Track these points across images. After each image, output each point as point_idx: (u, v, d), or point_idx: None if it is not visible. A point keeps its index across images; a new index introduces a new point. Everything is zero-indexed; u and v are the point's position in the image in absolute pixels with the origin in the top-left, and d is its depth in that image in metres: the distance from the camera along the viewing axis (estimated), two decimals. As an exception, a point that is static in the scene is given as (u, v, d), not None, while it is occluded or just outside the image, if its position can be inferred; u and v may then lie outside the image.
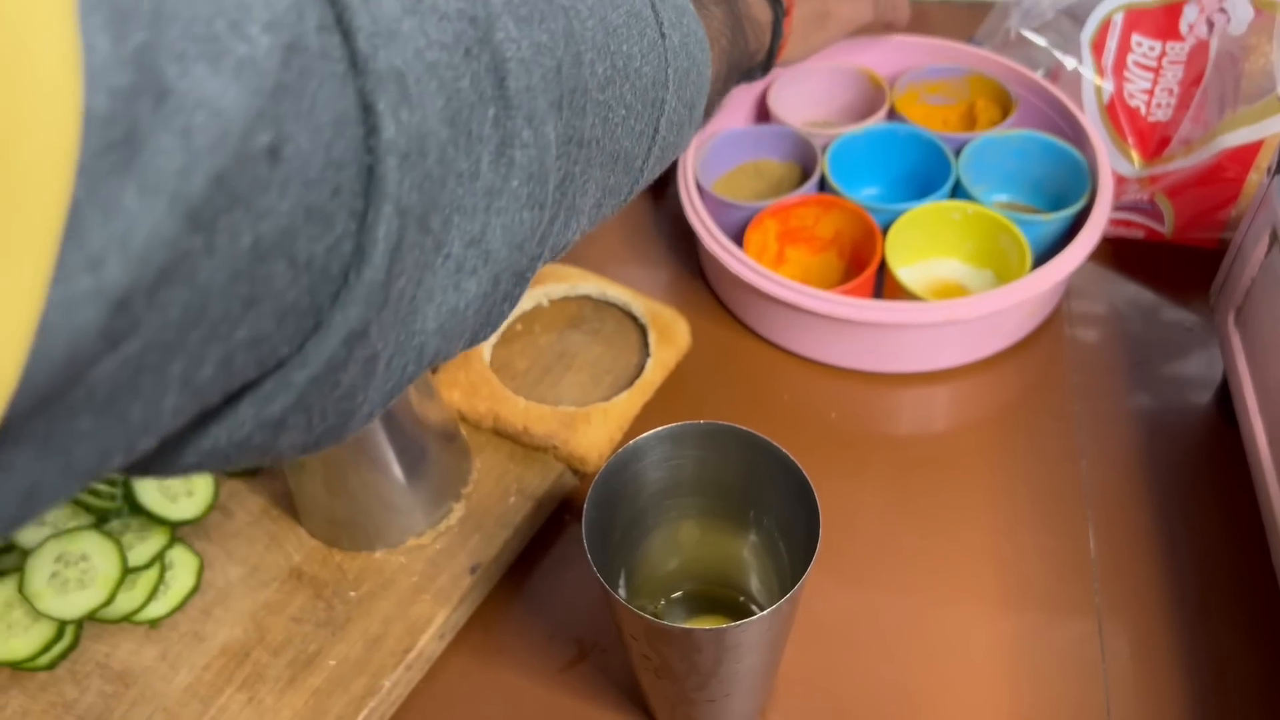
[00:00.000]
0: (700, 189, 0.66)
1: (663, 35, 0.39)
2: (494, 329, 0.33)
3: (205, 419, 0.24)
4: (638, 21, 0.37)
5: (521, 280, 0.32)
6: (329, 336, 0.24)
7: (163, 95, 0.18)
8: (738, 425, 0.43)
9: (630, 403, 0.59)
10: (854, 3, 0.66)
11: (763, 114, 0.73)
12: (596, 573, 0.40)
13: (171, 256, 0.19)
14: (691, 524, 0.48)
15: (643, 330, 0.63)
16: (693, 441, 0.44)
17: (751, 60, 0.56)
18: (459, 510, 0.56)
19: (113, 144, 0.17)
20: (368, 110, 0.23)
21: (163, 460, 0.24)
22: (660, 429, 0.44)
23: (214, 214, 0.19)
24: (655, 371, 0.60)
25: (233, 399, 0.24)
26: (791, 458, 0.42)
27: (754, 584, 0.50)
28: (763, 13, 0.56)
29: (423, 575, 0.53)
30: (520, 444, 0.58)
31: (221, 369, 0.22)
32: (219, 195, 0.19)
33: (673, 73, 0.40)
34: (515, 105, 0.29)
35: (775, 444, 0.42)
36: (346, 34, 0.23)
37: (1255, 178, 0.64)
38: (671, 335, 0.62)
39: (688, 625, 0.40)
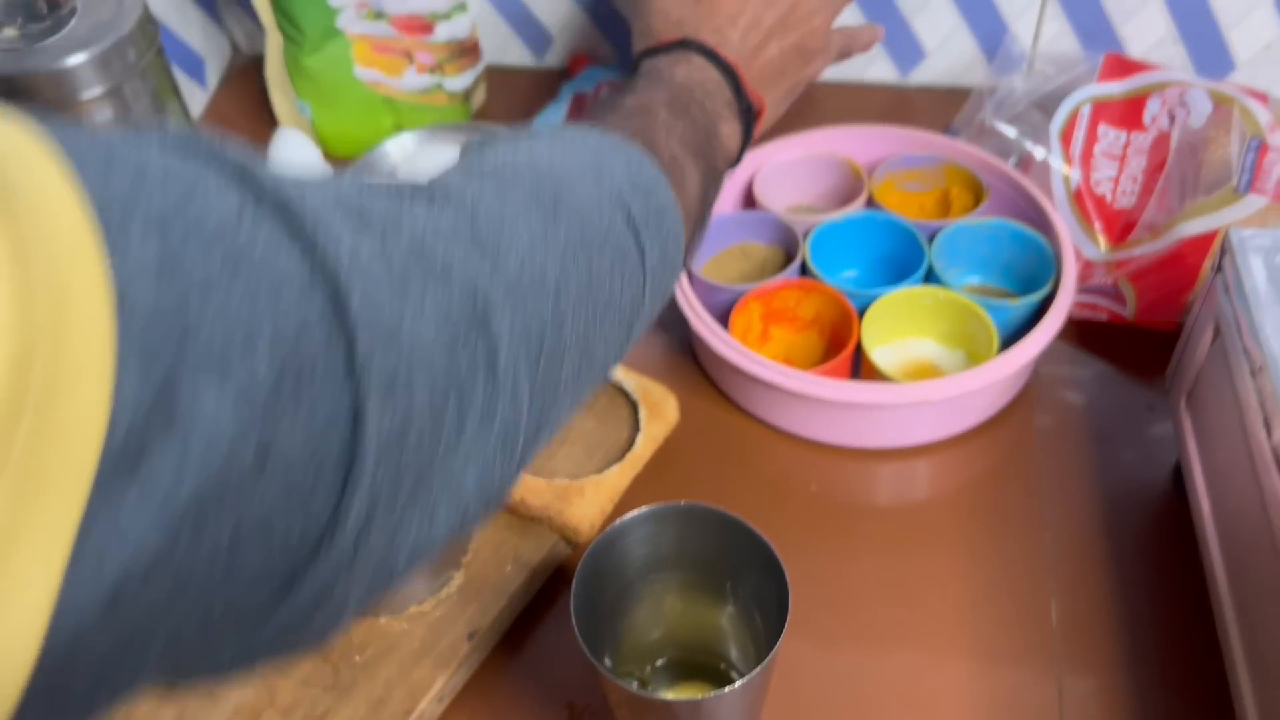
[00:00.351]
0: (690, 273, 0.70)
1: (643, 260, 0.41)
2: (468, 533, 0.35)
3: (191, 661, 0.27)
4: (620, 258, 0.39)
5: (494, 504, 0.34)
6: (299, 596, 0.27)
7: (171, 417, 0.21)
8: (713, 506, 0.47)
9: (621, 476, 0.62)
10: (816, 62, 0.67)
11: (749, 200, 0.77)
12: (584, 646, 0.43)
13: (160, 552, 0.22)
14: (674, 596, 0.52)
15: (634, 406, 0.66)
16: (673, 520, 0.48)
17: (722, 174, 0.58)
18: (458, 578, 0.59)
19: (125, 457, 0.20)
20: (357, 412, 0.25)
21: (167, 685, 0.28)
22: (643, 509, 0.47)
23: (200, 513, 0.22)
24: (645, 446, 0.64)
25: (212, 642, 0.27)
26: (761, 535, 0.46)
27: (734, 652, 0.54)
28: (733, 135, 0.59)
29: (424, 641, 0.57)
30: (517, 515, 0.62)
31: (200, 628, 0.25)
32: (206, 498, 0.22)
33: (650, 285, 0.41)
34: (501, 380, 0.31)
35: (747, 523, 0.46)
36: (348, 339, 0.25)
37: (1210, 264, 0.68)
38: (661, 411, 0.65)
39: (667, 695, 0.43)
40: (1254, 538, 0.48)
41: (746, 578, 0.49)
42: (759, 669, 0.42)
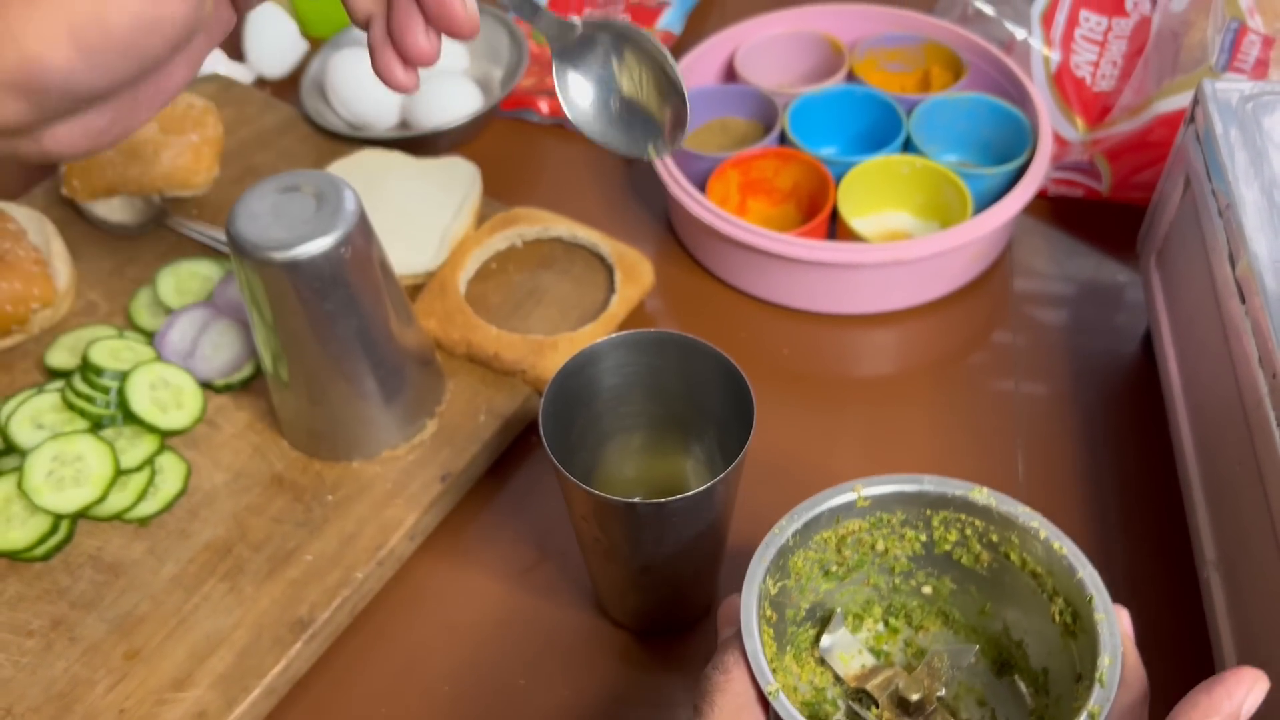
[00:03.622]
0: (667, 141, 0.70)
1: None
2: None
3: None
4: None
5: None
6: None
7: None
8: (682, 333, 0.47)
9: (594, 333, 0.63)
10: None
11: (730, 75, 0.77)
12: (549, 451, 0.44)
13: None
14: (643, 435, 0.52)
15: (610, 271, 0.67)
16: (642, 349, 0.48)
17: None
18: (432, 426, 0.59)
19: None
20: None
21: None
22: (614, 335, 0.48)
23: None
24: (619, 306, 0.64)
25: None
26: (728, 358, 0.46)
27: None
28: None
29: (396, 483, 0.57)
30: (491, 369, 0.62)
31: None
32: None
33: None
34: None
35: (713, 346, 0.46)
36: None
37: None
38: (636, 274, 0.66)
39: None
40: (1216, 376, 0.49)
41: (712, 407, 0.49)
42: (724, 473, 0.43)
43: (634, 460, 0.54)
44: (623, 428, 0.52)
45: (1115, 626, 0.37)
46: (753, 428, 0.44)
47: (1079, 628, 0.39)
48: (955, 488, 0.42)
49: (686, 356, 0.48)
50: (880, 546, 0.44)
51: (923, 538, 0.44)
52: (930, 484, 0.42)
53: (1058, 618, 0.40)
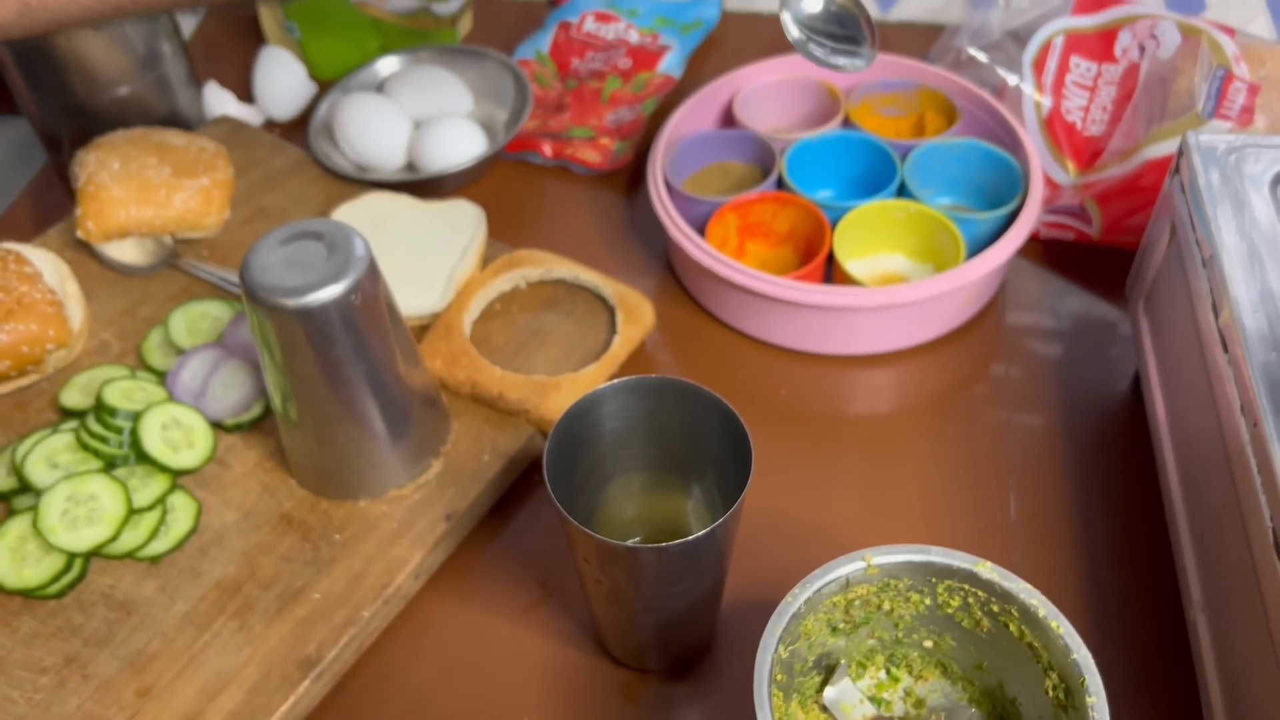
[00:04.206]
0: (668, 185, 0.72)
1: None
2: None
3: None
4: None
5: None
6: None
7: None
8: (683, 379, 0.49)
9: (597, 374, 0.64)
10: None
11: (728, 120, 0.79)
12: (553, 497, 0.45)
13: None
14: (644, 476, 0.54)
15: (611, 312, 0.68)
16: (644, 394, 0.50)
17: None
18: (437, 466, 0.61)
19: None
20: None
21: None
22: (615, 381, 0.49)
23: None
24: (621, 347, 0.66)
25: None
26: (727, 403, 0.47)
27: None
28: None
29: (402, 522, 0.58)
30: (495, 409, 0.63)
31: None
32: None
33: None
34: None
35: (713, 392, 0.48)
36: None
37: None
38: (637, 315, 0.67)
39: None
40: (1201, 421, 0.50)
41: (714, 453, 0.50)
42: (723, 518, 0.44)
43: (635, 501, 0.55)
44: (624, 469, 0.53)
45: (1106, 711, 0.39)
46: (750, 473, 0.45)
47: (1071, 704, 0.41)
48: (961, 560, 0.44)
49: (686, 401, 0.50)
50: (886, 607, 0.46)
51: (927, 601, 0.45)
52: (937, 555, 0.44)
53: (1051, 691, 0.42)
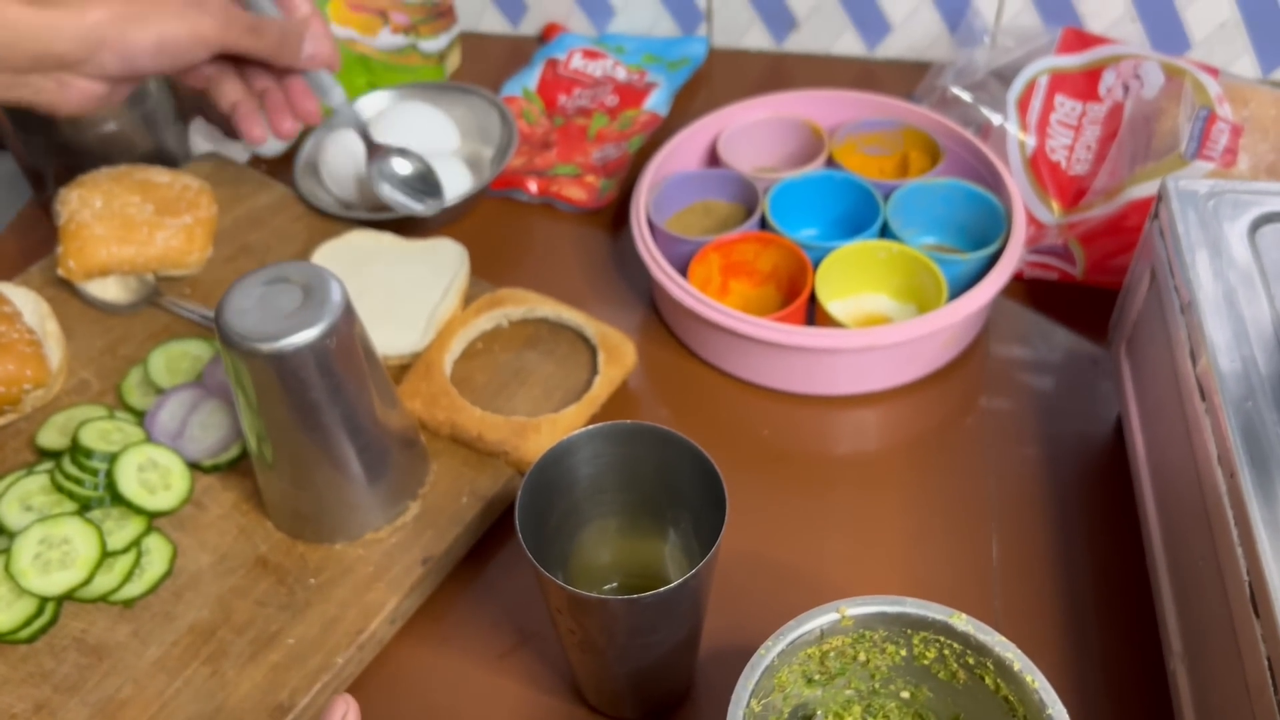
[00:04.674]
0: (651, 225, 0.72)
1: None
2: None
3: None
4: None
5: None
6: None
7: None
8: (656, 424, 0.49)
9: (577, 415, 0.64)
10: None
11: (713, 159, 0.79)
12: (526, 549, 0.44)
13: None
14: (619, 520, 0.53)
15: (593, 351, 0.68)
16: (618, 439, 0.49)
17: None
18: (415, 508, 0.60)
19: None
20: None
21: None
22: (590, 427, 0.49)
23: None
24: (602, 387, 0.65)
25: None
26: (700, 449, 0.47)
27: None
28: None
29: (378, 566, 0.58)
30: (475, 450, 0.63)
31: None
32: None
33: None
34: None
35: (687, 439, 0.48)
36: None
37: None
38: (619, 355, 0.67)
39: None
40: (1180, 468, 0.50)
41: (688, 498, 0.50)
42: (694, 570, 0.44)
43: (611, 545, 0.54)
44: (599, 514, 0.53)
45: None
46: (724, 521, 0.45)
47: None
48: (936, 612, 0.43)
49: (661, 447, 0.49)
50: (862, 658, 0.45)
51: (903, 652, 0.45)
52: (912, 606, 0.44)
53: None
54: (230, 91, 0.65)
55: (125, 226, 0.70)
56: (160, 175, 0.74)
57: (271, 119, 0.67)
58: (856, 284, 0.70)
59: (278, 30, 0.63)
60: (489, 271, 0.75)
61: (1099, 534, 0.60)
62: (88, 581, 0.56)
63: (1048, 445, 0.65)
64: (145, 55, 0.57)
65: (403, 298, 0.70)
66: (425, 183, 0.75)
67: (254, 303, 0.51)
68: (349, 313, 0.52)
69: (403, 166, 0.75)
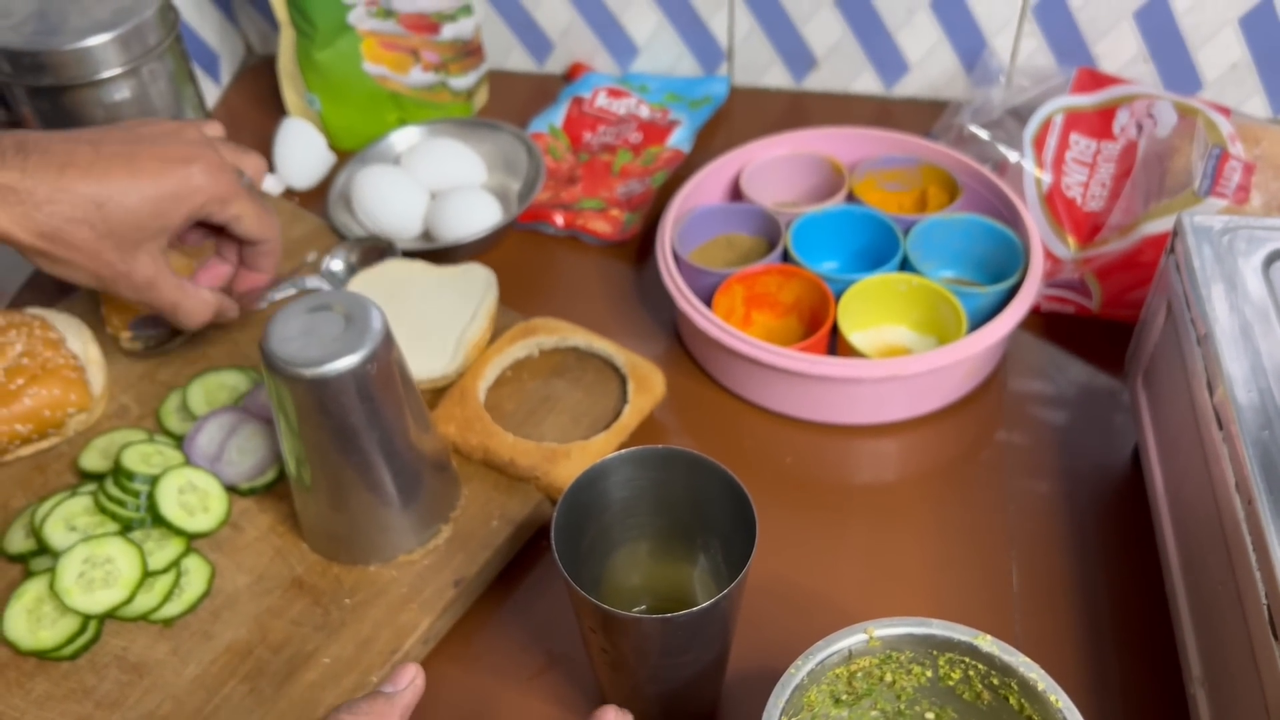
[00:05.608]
0: (676, 257, 0.73)
1: None
2: None
3: None
4: None
5: None
6: None
7: None
8: (689, 450, 0.50)
9: (607, 442, 0.65)
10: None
11: (735, 194, 0.81)
12: (561, 566, 0.46)
13: None
14: (650, 544, 0.55)
15: (623, 380, 0.69)
16: (650, 464, 0.51)
17: None
18: (447, 531, 0.62)
19: None
20: None
21: None
22: (623, 451, 0.50)
23: None
24: (631, 416, 0.67)
25: None
26: (731, 473, 0.49)
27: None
28: None
29: (411, 587, 0.59)
30: (506, 475, 0.64)
31: None
32: None
33: None
34: None
35: (718, 464, 0.49)
36: None
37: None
38: (648, 384, 0.68)
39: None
40: (1198, 496, 0.51)
41: (718, 522, 0.51)
42: (725, 592, 0.45)
43: (641, 569, 0.56)
44: (630, 538, 0.54)
45: None
46: (754, 545, 0.46)
47: None
48: (962, 634, 0.44)
49: (692, 472, 0.51)
50: (889, 679, 0.46)
51: (929, 673, 0.46)
52: (938, 628, 0.45)
53: None
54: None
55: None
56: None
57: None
58: (878, 315, 0.72)
59: (167, 304, 0.63)
60: (517, 302, 0.77)
61: (1117, 562, 0.61)
62: (129, 600, 0.57)
63: (1065, 475, 0.66)
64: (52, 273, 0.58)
65: (433, 323, 0.71)
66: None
67: (298, 330, 0.53)
68: (388, 339, 0.54)
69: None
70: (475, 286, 0.74)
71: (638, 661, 0.48)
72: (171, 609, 0.58)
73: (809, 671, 0.44)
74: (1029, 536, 0.63)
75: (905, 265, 0.73)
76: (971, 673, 0.45)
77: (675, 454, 0.50)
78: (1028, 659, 0.44)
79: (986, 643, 0.44)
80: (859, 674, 0.46)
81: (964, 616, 0.58)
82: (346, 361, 0.52)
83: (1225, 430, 0.48)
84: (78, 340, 0.69)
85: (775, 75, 0.96)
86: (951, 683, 0.46)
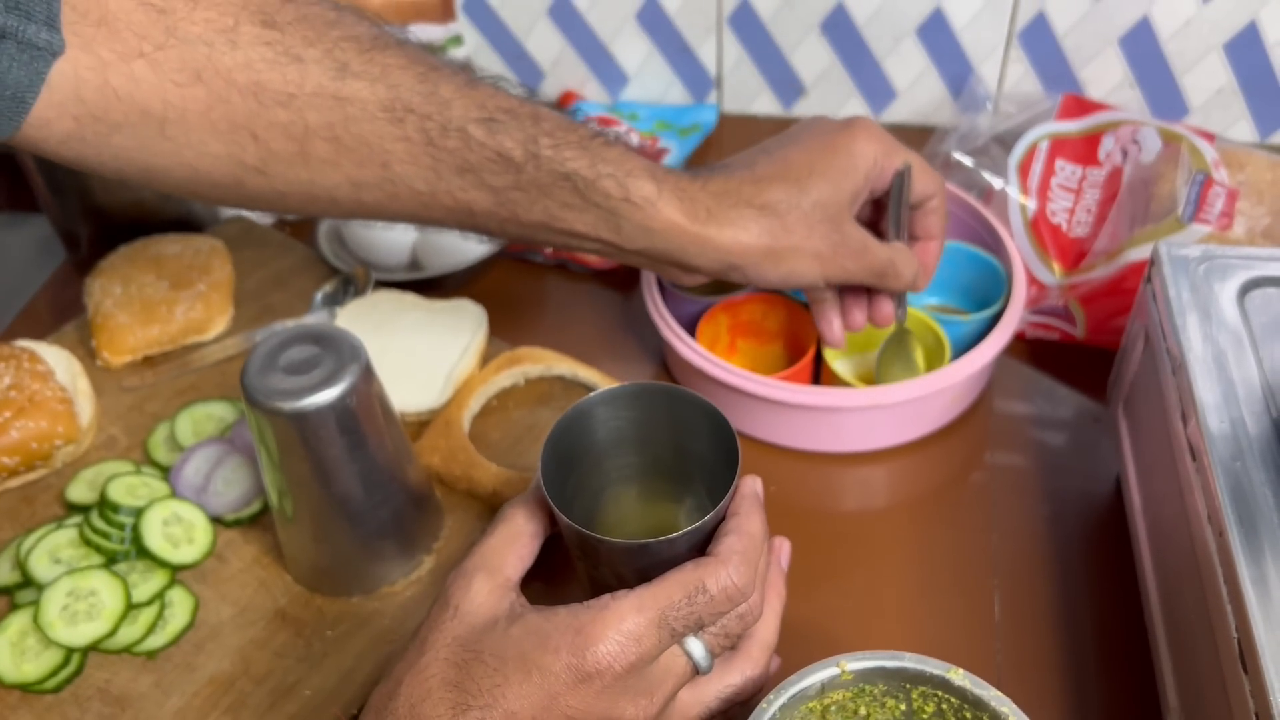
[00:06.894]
0: (661, 285, 0.74)
1: None
2: None
3: None
4: None
5: None
6: None
7: None
8: (667, 383, 0.50)
9: (589, 472, 0.65)
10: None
11: (723, 222, 0.81)
12: (545, 492, 0.46)
13: None
14: (637, 486, 0.54)
15: (605, 409, 0.70)
16: (630, 401, 0.51)
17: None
18: (429, 562, 0.62)
19: None
20: None
21: None
22: (603, 390, 0.50)
23: None
24: (613, 445, 0.67)
25: None
26: (710, 403, 0.49)
27: None
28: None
29: (393, 619, 0.59)
30: (490, 505, 0.65)
31: None
32: None
33: None
34: None
35: (697, 394, 0.50)
36: None
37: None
38: (630, 414, 0.69)
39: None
40: (1174, 527, 0.51)
41: (701, 453, 0.51)
42: (712, 513, 0.46)
43: (629, 513, 0.55)
44: (617, 479, 0.54)
45: None
46: (738, 470, 0.47)
47: None
48: (934, 667, 0.45)
49: (673, 405, 0.51)
50: (863, 712, 0.46)
51: (902, 706, 0.46)
52: (910, 661, 0.45)
53: None
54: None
55: (146, 308, 0.73)
56: (171, 245, 0.77)
57: (847, 313, 0.67)
58: (862, 342, 0.72)
59: (884, 263, 0.63)
60: (505, 330, 0.77)
61: (1100, 590, 0.61)
62: (113, 633, 0.57)
63: (1050, 502, 0.66)
64: (766, 281, 0.61)
65: (422, 357, 0.72)
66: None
67: (278, 363, 0.54)
68: (369, 373, 0.55)
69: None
70: (465, 322, 0.74)
71: (618, 587, 0.48)
72: (155, 641, 0.58)
73: (781, 705, 0.44)
74: (1013, 564, 0.63)
75: (889, 293, 0.74)
76: (945, 706, 0.45)
77: (654, 387, 0.51)
78: (999, 693, 0.44)
79: (959, 676, 0.44)
80: (833, 707, 0.46)
81: (947, 645, 0.59)
82: (326, 395, 0.53)
83: (1198, 461, 0.48)
84: (67, 373, 0.69)
85: (764, 103, 0.97)
86: (925, 716, 0.46)
